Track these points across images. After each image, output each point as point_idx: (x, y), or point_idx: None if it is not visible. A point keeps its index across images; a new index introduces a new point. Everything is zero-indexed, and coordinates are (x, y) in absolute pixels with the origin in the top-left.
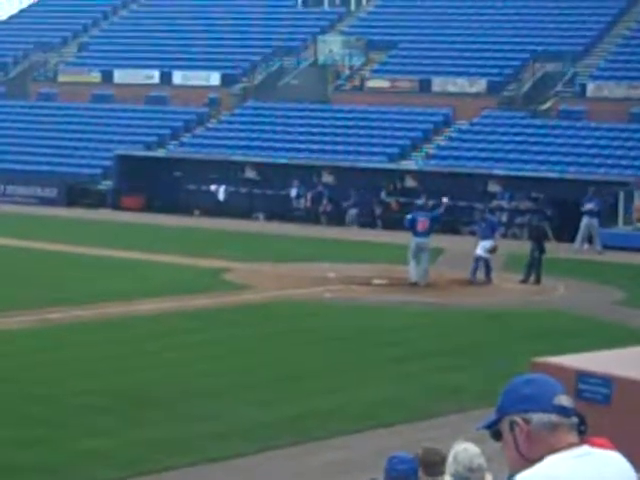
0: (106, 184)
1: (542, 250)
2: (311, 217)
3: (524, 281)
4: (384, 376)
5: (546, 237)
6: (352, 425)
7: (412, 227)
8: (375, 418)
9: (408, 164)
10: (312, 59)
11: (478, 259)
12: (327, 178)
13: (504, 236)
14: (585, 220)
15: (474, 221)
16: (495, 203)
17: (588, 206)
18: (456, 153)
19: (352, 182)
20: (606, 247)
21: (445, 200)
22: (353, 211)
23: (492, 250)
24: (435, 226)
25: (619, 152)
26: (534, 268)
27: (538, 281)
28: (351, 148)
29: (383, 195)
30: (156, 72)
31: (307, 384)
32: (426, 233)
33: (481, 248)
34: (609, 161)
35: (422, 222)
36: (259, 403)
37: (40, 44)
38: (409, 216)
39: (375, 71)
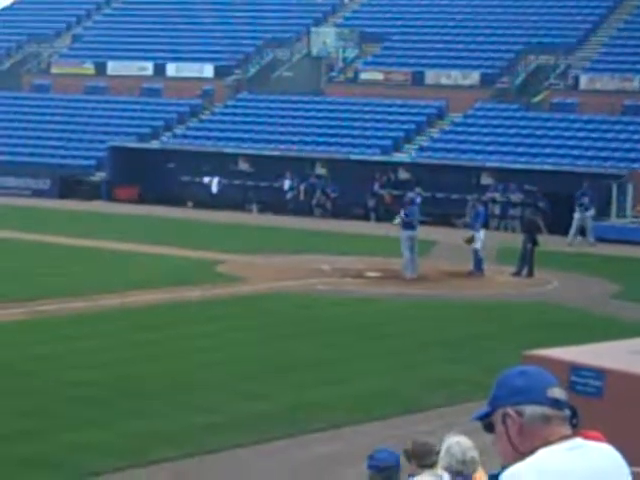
0: (99, 175)
1: (535, 242)
2: (304, 209)
3: (517, 274)
4: (378, 368)
5: (539, 230)
6: (346, 417)
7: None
8: (369, 410)
9: (401, 156)
10: (305, 51)
11: (476, 251)
12: (320, 170)
13: (497, 228)
14: (578, 213)
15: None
16: (488, 195)
17: (583, 199)
18: (449, 145)
19: (345, 174)
20: (599, 240)
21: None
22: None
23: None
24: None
25: (612, 145)
26: (526, 261)
27: (531, 274)
28: (344, 140)
29: (376, 187)
30: (150, 64)
31: (301, 376)
32: (417, 225)
33: (477, 240)
34: (602, 154)
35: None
36: (253, 395)
37: (33, 36)
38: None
39: (368, 63)
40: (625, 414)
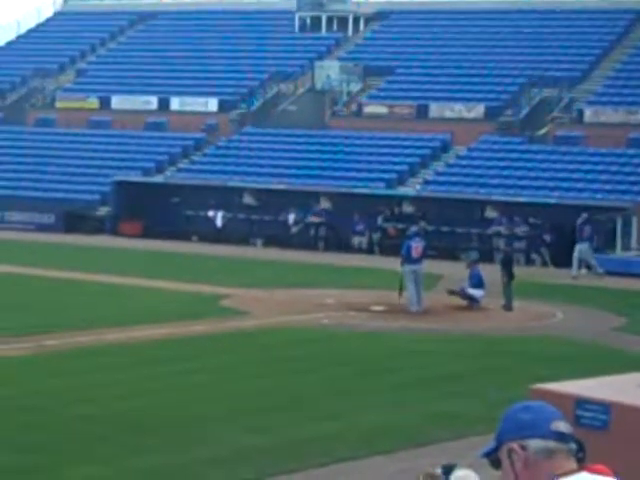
0: (104, 210)
1: (510, 276)
2: (309, 243)
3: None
4: (382, 402)
5: (512, 262)
6: (350, 452)
7: (408, 254)
8: (373, 445)
9: (406, 190)
10: (309, 85)
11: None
12: (325, 204)
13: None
14: (578, 246)
15: (472, 247)
16: (493, 229)
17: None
18: (454, 179)
19: (350, 208)
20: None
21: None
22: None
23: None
24: (426, 251)
25: (617, 177)
26: (504, 294)
27: (509, 307)
28: (349, 174)
29: (380, 221)
30: (154, 98)
31: (306, 410)
32: (421, 259)
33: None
34: (607, 186)
35: (416, 248)
36: (258, 429)
37: (38, 70)
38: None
39: (372, 97)
40: (632, 447)
